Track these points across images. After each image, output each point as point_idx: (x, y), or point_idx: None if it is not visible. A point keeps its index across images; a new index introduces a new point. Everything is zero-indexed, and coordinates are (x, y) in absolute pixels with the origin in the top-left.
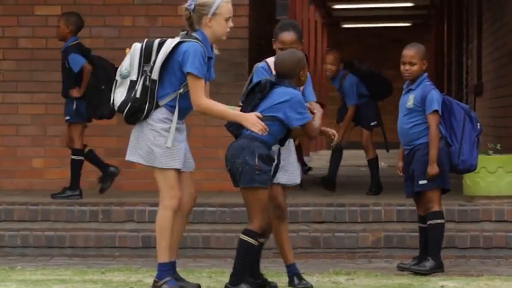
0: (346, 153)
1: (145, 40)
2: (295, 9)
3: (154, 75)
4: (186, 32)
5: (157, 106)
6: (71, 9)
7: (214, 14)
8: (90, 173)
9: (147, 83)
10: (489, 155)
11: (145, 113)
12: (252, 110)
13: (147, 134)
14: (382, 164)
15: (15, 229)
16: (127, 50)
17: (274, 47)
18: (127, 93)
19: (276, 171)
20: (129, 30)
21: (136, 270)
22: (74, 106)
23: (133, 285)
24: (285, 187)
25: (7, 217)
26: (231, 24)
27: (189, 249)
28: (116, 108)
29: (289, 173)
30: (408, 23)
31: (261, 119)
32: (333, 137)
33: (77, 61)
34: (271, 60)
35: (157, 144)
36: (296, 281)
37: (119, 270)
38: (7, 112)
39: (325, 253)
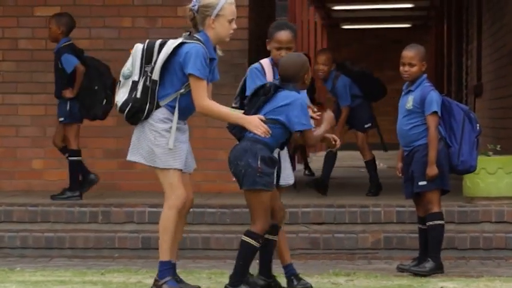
0: (345, 154)
1: (147, 41)
2: (294, 10)
3: (155, 75)
4: (189, 33)
5: (158, 106)
6: (71, 10)
7: (217, 15)
8: None
9: (148, 83)
10: (489, 156)
11: (145, 113)
12: (256, 113)
13: (148, 134)
14: (381, 165)
15: (14, 230)
16: (131, 50)
17: (268, 47)
18: (128, 94)
19: (278, 175)
20: (128, 31)
21: (136, 272)
22: (68, 107)
23: (133, 286)
24: (279, 188)
25: (6, 218)
26: (234, 26)
27: (189, 250)
28: (118, 108)
29: (283, 173)
30: (408, 24)
31: (264, 122)
32: (334, 142)
33: (70, 62)
34: (265, 62)
35: (158, 144)
36: (295, 281)
37: (119, 271)
38: (7, 113)
39: (324, 254)
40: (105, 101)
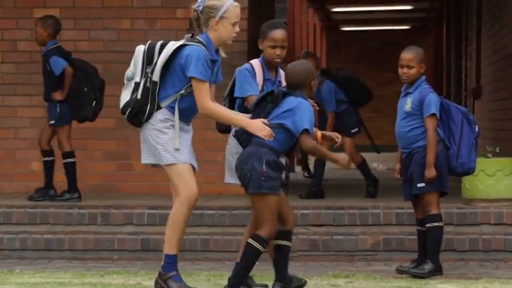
0: None
1: (149, 42)
2: (294, 12)
3: (155, 76)
4: (191, 34)
5: (159, 108)
6: (70, 12)
7: (221, 17)
8: (89, 176)
9: (148, 84)
10: (488, 158)
11: (146, 114)
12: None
13: (150, 133)
14: (380, 166)
15: (14, 232)
16: None
17: (261, 46)
18: (130, 95)
19: (287, 182)
20: (128, 33)
21: (135, 273)
22: (58, 109)
23: None
24: None
25: (6, 220)
26: (237, 29)
27: (188, 252)
28: (120, 110)
29: None
30: (407, 26)
31: (269, 126)
32: (336, 140)
33: (58, 64)
34: (255, 62)
35: (159, 141)
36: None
37: (118, 273)
38: (6, 115)
39: (324, 256)
40: (94, 102)
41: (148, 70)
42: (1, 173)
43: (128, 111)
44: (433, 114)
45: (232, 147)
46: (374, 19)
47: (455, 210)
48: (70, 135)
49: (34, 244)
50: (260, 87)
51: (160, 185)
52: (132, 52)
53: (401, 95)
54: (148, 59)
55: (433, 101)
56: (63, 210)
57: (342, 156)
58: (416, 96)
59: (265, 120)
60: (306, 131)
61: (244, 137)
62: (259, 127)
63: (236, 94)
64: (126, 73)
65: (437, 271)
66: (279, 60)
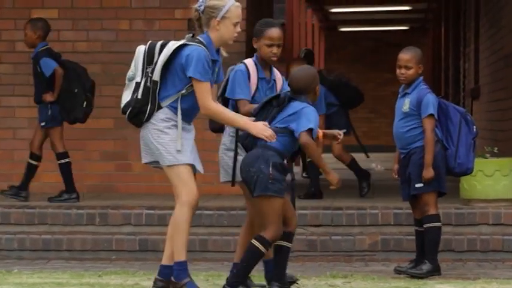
0: None
1: (149, 42)
2: (292, 13)
3: (155, 76)
4: (192, 34)
5: (160, 107)
6: (68, 12)
7: (223, 17)
8: (87, 177)
9: (149, 84)
10: (486, 158)
11: (147, 114)
12: (269, 123)
13: (152, 133)
14: (378, 167)
15: (12, 232)
16: None
17: (256, 45)
18: (131, 95)
19: (293, 188)
20: (126, 33)
21: (134, 274)
22: (49, 111)
23: None
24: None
25: (4, 220)
26: (238, 29)
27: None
28: (121, 110)
29: None
30: (405, 26)
31: (274, 130)
32: (339, 136)
33: (49, 65)
34: (249, 62)
35: (161, 142)
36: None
37: (116, 273)
38: (4, 115)
39: (322, 256)
40: (85, 103)
41: (149, 70)
42: None
43: (129, 111)
44: (431, 115)
45: (226, 145)
46: (372, 20)
47: (454, 210)
48: (62, 136)
49: (32, 244)
50: (255, 87)
51: (158, 186)
52: (131, 53)
53: (399, 95)
54: (149, 58)
55: (431, 101)
56: (61, 210)
57: (334, 175)
58: (414, 96)
59: (266, 123)
60: (309, 130)
61: (250, 139)
62: (261, 128)
63: (226, 94)
64: (128, 74)
65: (435, 271)
66: (275, 58)
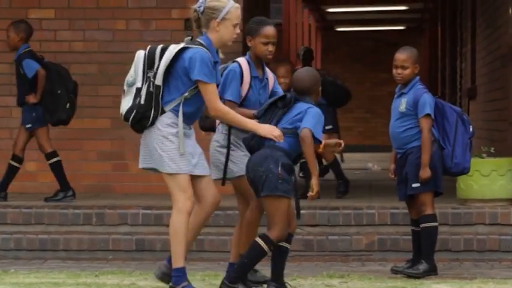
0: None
1: (149, 47)
2: (289, 13)
3: (158, 80)
4: (191, 37)
5: (163, 112)
6: (65, 12)
7: (223, 18)
8: (83, 176)
9: (151, 89)
10: (483, 158)
11: (150, 119)
12: (276, 125)
13: (155, 139)
14: (375, 167)
15: (8, 232)
16: None
17: (251, 44)
18: (133, 101)
19: (296, 189)
20: (123, 33)
21: (130, 273)
22: (33, 113)
23: None
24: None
25: (1, 220)
26: (238, 30)
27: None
28: (122, 116)
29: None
30: (402, 26)
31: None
32: (339, 147)
33: (31, 66)
34: (242, 61)
35: (165, 149)
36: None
37: (113, 273)
38: (0, 115)
39: (318, 256)
40: (68, 104)
41: (150, 75)
42: None
43: (132, 117)
44: (428, 115)
45: (220, 143)
46: (369, 20)
47: (450, 210)
48: (48, 135)
49: (29, 244)
50: (248, 85)
51: (155, 186)
52: (127, 52)
53: (396, 95)
54: (149, 63)
55: (427, 101)
56: (57, 210)
57: (316, 183)
58: (410, 96)
59: (273, 126)
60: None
61: (256, 140)
62: (269, 129)
63: (224, 95)
64: (127, 79)
65: (432, 271)
66: (271, 56)
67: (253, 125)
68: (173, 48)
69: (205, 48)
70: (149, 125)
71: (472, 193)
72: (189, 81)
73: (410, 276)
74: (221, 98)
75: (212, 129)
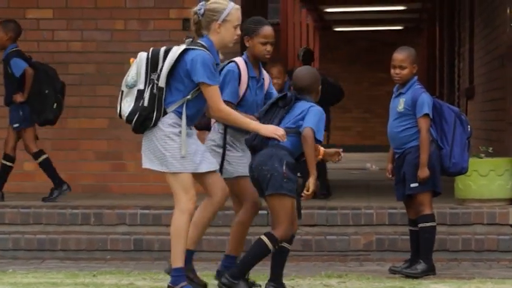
0: None
1: (151, 49)
2: (287, 13)
3: (161, 82)
4: (191, 39)
5: (165, 113)
6: (63, 12)
7: (224, 20)
8: (81, 176)
9: (155, 91)
10: (481, 158)
11: (153, 121)
12: (278, 125)
13: (158, 139)
14: (373, 167)
15: (6, 232)
16: (131, 60)
17: (249, 44)
18: (135, 103)
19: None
20: (121, 33)
21: (128, 273)
22: (21, 112)
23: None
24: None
25: None
26: (238, 31)
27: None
28: (124, 118)
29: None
30: (400, 26)
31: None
32: (338, 156)
33: (19, 65)
34: (240, 61)
35: (168, 148)
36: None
37: (111, 273)
38: None
39: (317, 256)
40: (55, 104)
41: (154, 77)
42: None
43: (135, 118)
44: (426, 115)
45: (216, 142)
46: (367, 20)
47: (448, 210)
48: (35, 135)
49: (27, 244)
50: (245, 85)
51: (153, 185)
52: (125, 52)
53: (394, 95)
54: (153, 65)
55: (425, 101)
56: (56, 210)
57: (314, 182)
58: (409, 96)
59: (275, 126)
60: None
61: (258, 139)
62: (272, 129)
63: (224, 96)
64: (126, 80)
65: (430, 271)
66: (269, 56)
67: (256, 125)
68: (176, 50)
69: (207, 50)
70: (152, 126)
71: (470, 193)
72: (190, 83)
73: (408, 276)
74: None
75: (207, 128)
